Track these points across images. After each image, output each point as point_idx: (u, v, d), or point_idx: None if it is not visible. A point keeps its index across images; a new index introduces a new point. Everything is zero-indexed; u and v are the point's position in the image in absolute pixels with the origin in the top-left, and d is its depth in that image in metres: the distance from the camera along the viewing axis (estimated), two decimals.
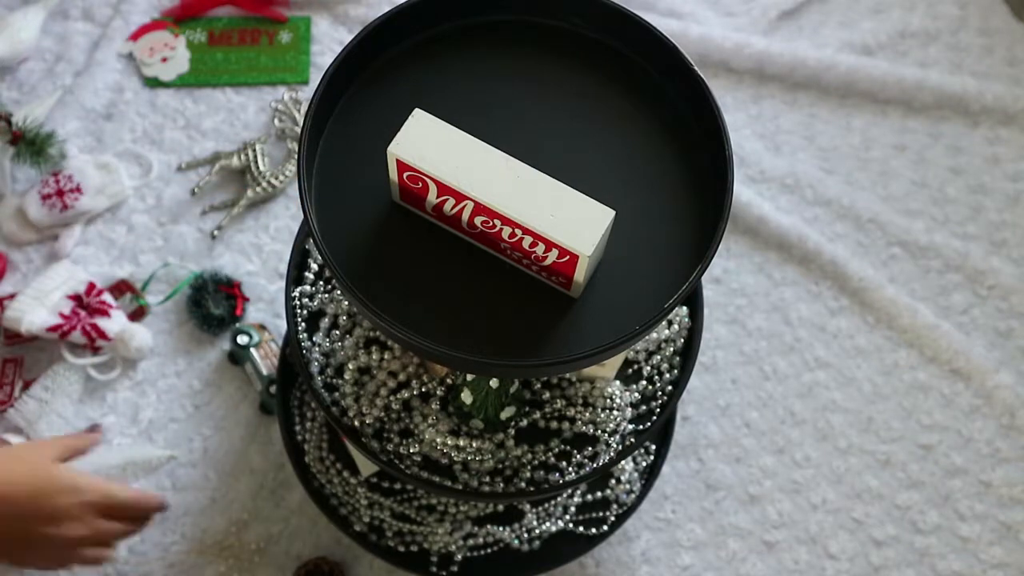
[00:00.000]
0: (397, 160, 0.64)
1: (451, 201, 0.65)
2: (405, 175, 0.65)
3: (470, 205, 0.64)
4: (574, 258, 0.63)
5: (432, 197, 0.66)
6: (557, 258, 0.64)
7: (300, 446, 0.94)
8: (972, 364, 1.07)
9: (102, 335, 1.01)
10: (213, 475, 0.99)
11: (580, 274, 0.64)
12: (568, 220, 0.62)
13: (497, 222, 0.64)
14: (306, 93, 1.17)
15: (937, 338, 1.08)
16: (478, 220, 0.65)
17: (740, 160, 1.16)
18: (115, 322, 1.02)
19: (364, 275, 0.67)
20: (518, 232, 0.64)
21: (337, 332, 0.82)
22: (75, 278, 1.04)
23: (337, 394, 0.81)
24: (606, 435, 0.80)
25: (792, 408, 1.06)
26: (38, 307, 1.01)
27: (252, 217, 1.11)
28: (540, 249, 0.64)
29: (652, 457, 0.96)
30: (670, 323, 0.84)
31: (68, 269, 1.05)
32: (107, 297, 1.03)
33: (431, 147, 0.64)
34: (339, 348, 0.81)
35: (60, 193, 1.07)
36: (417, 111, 0.66)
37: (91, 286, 1.03)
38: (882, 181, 1.17)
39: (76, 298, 1.02)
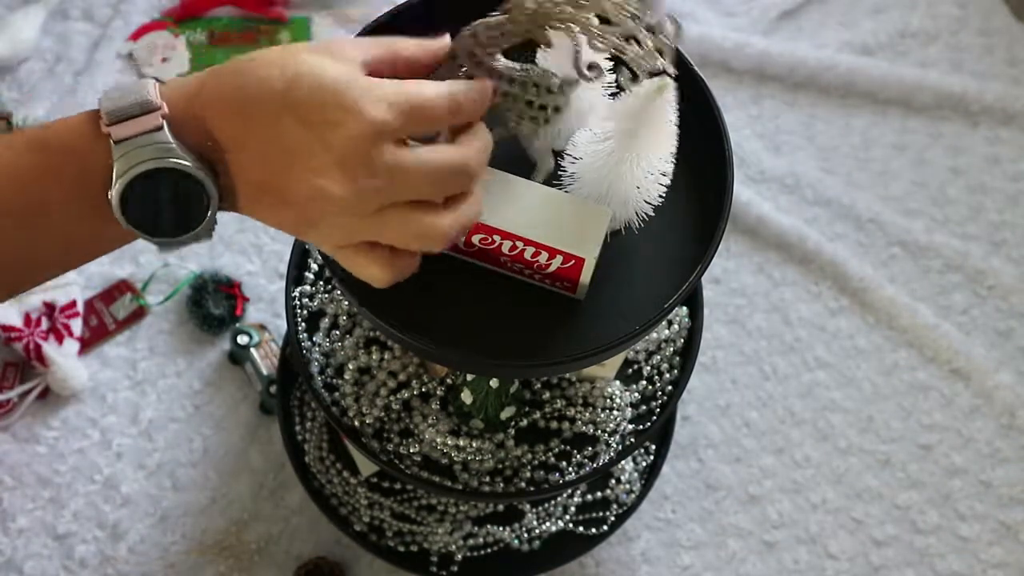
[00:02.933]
0: None
1: None
2: None
3: None
4: (580, 262, 0.62)
5: None
6: (561, 264, 0.63)
7: (300, 446, 0.94)
8: (972, 364, 1.07)
9: (40, 360, 0.99)
10: (213, 475, 0.99)
11: (586, 277, 0.64)
12: (568, 225, 0.62)
13: (496, 238, 0.63)
14: None
15: (937, 338, 1.08)
16: (476, 239, 0.63)
17: (740, 160, 1.16)
18: (61, 352, 1.00)
19: None
20: (519, 244, 0.62)
21: (337, 332, 0.82)
22: (65, 288, 1.03)
23: (337, 394, 0.81)
24: (606, 435, 0.80)
25: (792, 408, 1.06)
26: (12, 302, 0.99)
27: None
28: (543, 258, 0.63)
29: (652, 457, 0.96)
30: (670, 323, 0.84)
31: (65, 275, 1.04)
32: (76, 323, 1.02)
33: None
34: (339, 348, 0.81)
35: None
36: None
37: (72, 303, 1.02)
38: (882, 181, 1.17)
39: (50, 307, 1.01)
